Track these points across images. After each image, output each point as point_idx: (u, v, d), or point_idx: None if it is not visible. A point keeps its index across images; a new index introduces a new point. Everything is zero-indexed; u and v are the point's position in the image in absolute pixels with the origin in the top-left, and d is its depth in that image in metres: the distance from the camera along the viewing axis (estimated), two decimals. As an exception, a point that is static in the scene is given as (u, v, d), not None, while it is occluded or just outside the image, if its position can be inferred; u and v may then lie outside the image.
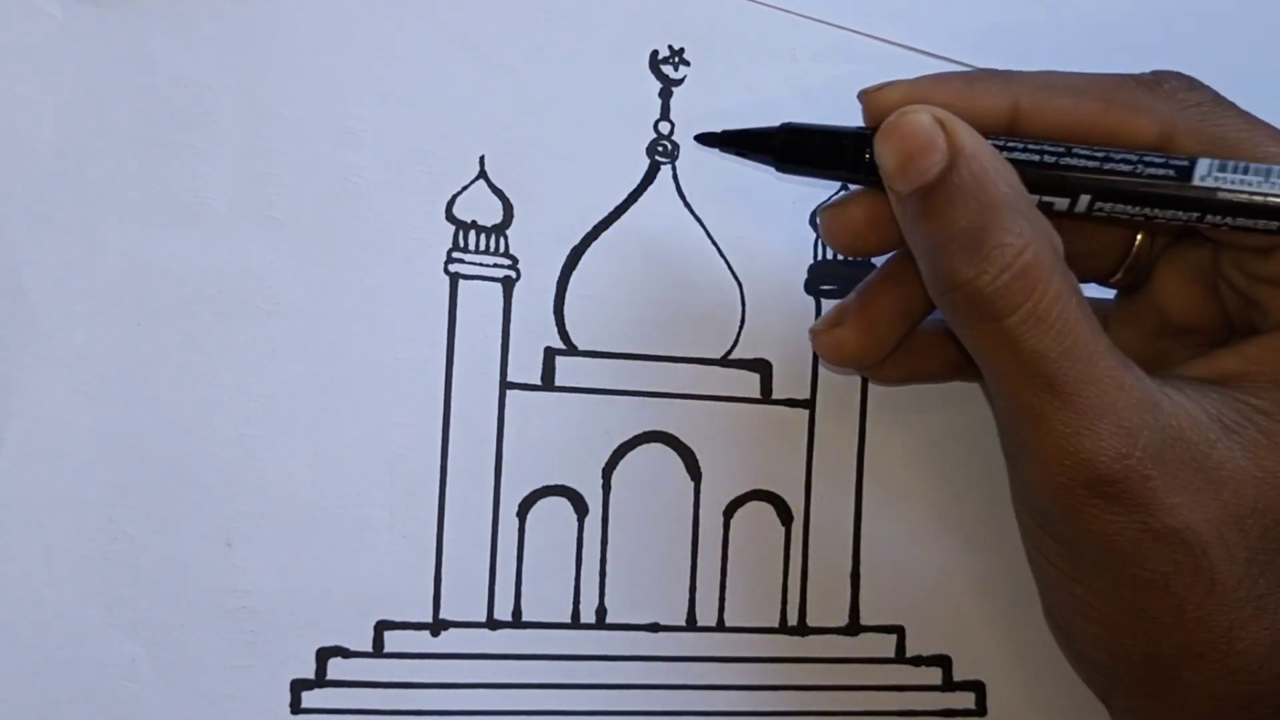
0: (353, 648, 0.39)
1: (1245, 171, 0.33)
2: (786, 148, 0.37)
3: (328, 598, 0.39)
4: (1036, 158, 0.34)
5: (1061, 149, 0.35)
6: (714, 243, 0.41)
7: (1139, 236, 0.38)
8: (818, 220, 0.39)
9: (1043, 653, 0.43)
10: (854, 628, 0.42)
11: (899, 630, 0.43)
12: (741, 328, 0.41)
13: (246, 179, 0.38)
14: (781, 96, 0.41)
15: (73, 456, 0.38)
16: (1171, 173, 0.34)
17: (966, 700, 0.43)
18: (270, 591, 0.39)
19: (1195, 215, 0.34)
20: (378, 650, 0.39)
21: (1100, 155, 0.34)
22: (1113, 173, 0.34)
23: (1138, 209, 0.34)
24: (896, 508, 0.42)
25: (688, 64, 0.41)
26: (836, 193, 0.41)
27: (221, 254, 0.38)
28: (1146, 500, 0.32)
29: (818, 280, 0.42)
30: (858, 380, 0.42)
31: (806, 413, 0.42)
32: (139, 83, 0.38)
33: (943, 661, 0.43)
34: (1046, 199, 0.35)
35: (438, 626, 0.40)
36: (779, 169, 0.37)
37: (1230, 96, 0.37)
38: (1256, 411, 0.34)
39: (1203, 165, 0.34)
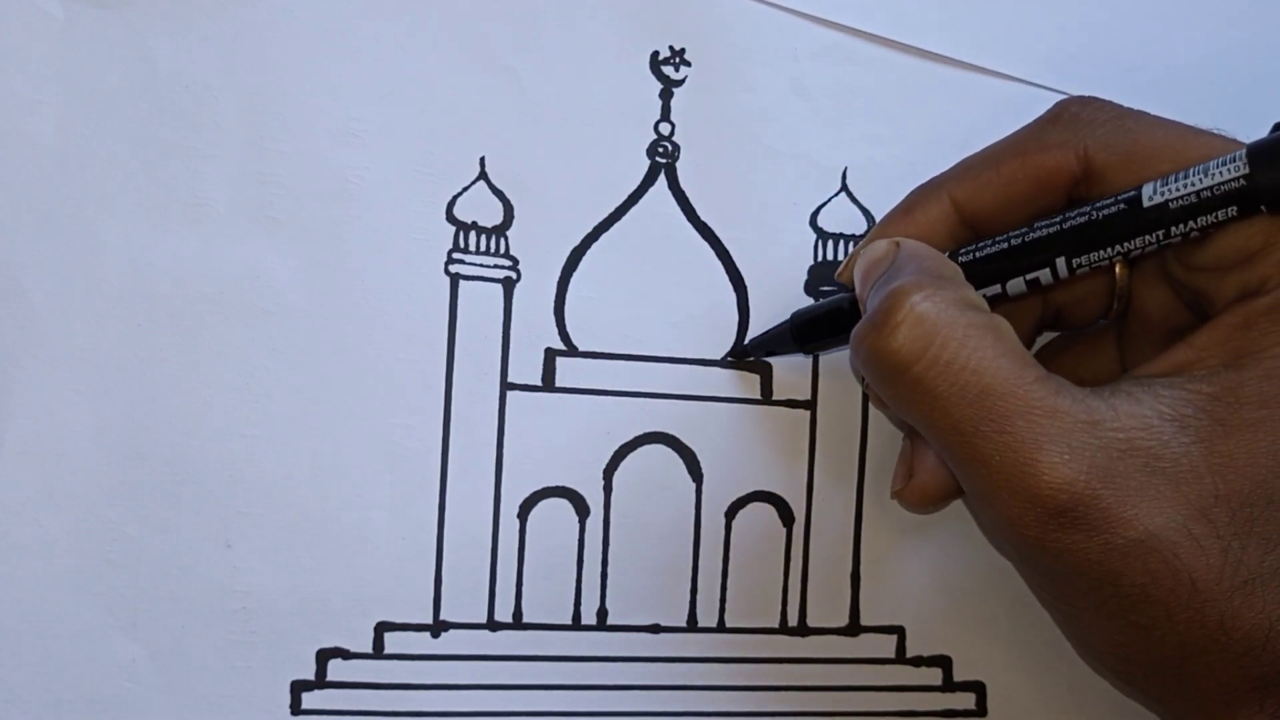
0: (353, 649, 0.39)
1: (1185, 175, 0.34)
2: (801, 335, 0.40)
3: (328, 598, 0.39)
4: (1004, 245, 0.37)
5: (1024, 229, 0.36)
6: (714, 243, 0.41)
7: (1117, 268, 0.39)
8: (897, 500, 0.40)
9: (1043, 653, 0.43)
10: (854, 628, 0.42)
11: (899, 630, 0.43)
12: (742, 328, 0.41)
13: (246, 179, 0.38)
14: (781, 96, 0.41)
15: (73, 456, 0.37)
16: (1123, 205, 0.35)
17: (966, 700, 0.43)
18: (270, 592, 0.38)
19: (1161, 234, 0.35)
20: (378, 651, 0.39)
21: (1058, 219, 0.36)
22: (1073, 228, 0.36)
23: (1110, 250, 0.35)
24: (897, 508, 0.42)
25: (688, 64, 0.41)
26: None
27: (221, 254, 0.38)
28: (1103, 519, 0.32)
29: (818, 281, 0.42)
30: (859, 380, 0.42)
31: (808, 414, 0.42)
32: (139, 83, 0.38)
33: (943, 661, 0.43)
34: (1030, 276, 0.36)
35: (438, 628, 0.40)
36: (804, 352, 0.41)
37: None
38: (1208, 399, 0.34)
39: (1148, 188, 0.35)
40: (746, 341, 0.41)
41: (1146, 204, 0.35)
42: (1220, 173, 0.34)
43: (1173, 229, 0.35)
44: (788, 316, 0.41)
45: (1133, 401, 0.34)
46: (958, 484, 0.37)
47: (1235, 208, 0.34)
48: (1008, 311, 0.36)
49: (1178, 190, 0.34)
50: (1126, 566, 0.33)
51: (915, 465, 0.38)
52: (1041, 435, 0.32)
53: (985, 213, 0.37)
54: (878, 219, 0.42)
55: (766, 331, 0.41)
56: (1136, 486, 0.33)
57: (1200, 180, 0.34)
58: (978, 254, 0.37)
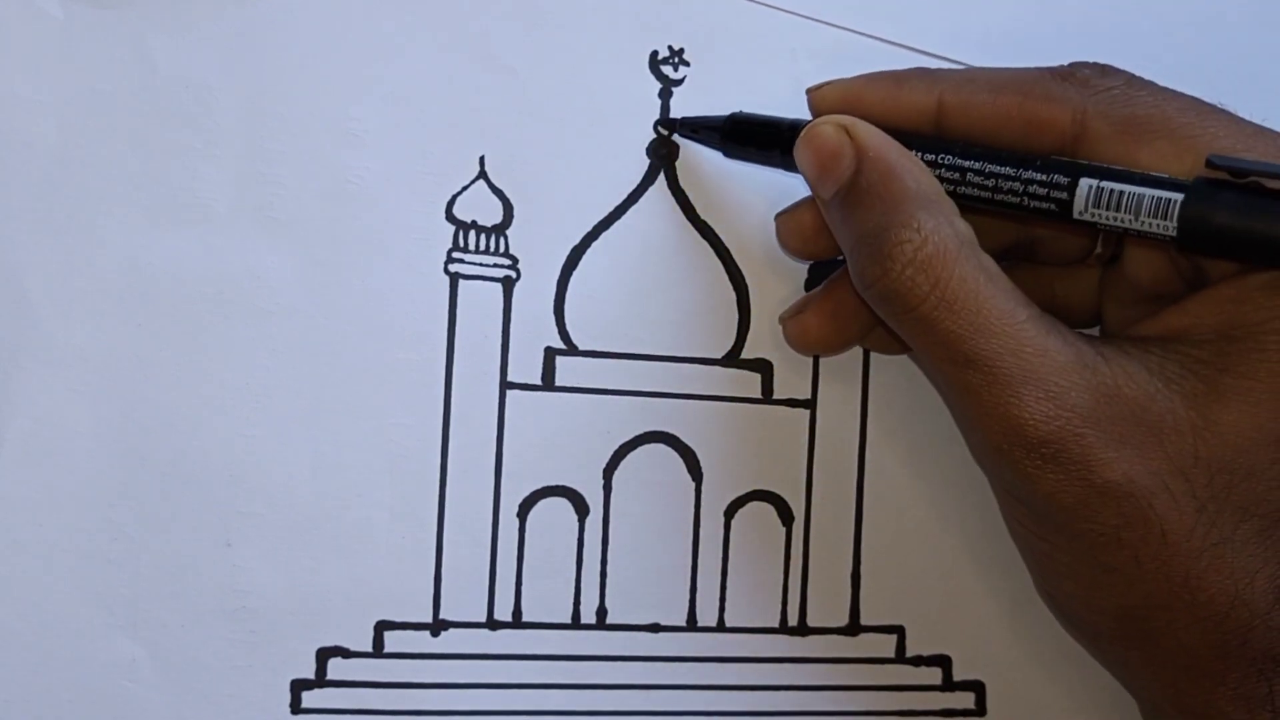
0: (353, 648, 0.39)
1: (1118, 208, 0.35)
2: (731, 133, 0.40)
3: (328, 598, 0.39)
4: (962, 166, 0.37)
5: (957, 175, 0.37)
6: (714, 242, 0.41)
7: None
8: (774, 225, 0.41)
9: (1043, 653, 0.43)
10: (854, 628, 0.42)
11: (899, 630, 0.43)
12: (742, 328, 0.41)
13: (246, 179, 0.38)
14: (781, 96, 0.41)
15: (73, 456, 0.38)
16: (1053, 206, 0.36)
17: (966, 700, 0.43)
18: (270, 591, 0.39)
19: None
20: (378, 650, 0.39)
21: (990, 185, 0.36)
22: (1002, 203, 0.36)
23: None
24: (896, 508, 0.43)
25: (688, 64, 0.41)
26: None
27: (221, 254, 0.38)
28: (1083, 457, 0.34)
29: (818, 280, 0.42)
30: (858, 380, 0.42)
31: (807, 413, 0.42)
32: (139, 83, 0.38)
33: (943, 661, 0.43)
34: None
35: (438, 627, 0.40)
36: (725, 153, 0.40)
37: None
38: (1197, 361, 0.34)
39: (1080, 199, 0.35)
40: (680, 117, 0.41)
41: (1076, 216, 0.35)
42: (1149, 223, 0.34)
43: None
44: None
45: (1123, 354, 0.35)
46: (836, 342, 0.40)
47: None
48: (978, 225, 0.36)
49: (1107, 219, 0.35)
50: (1102, 506, 0.34)
51: (813, 306, 0.40)
52: (1029, 372, 0.34)
53: (964, 131, 0.37)
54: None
55: (704, 116, 0.41)
56: (1119, 433, 0.34)
57: (1130, 220, 0.34)
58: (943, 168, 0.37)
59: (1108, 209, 0.35)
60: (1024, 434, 0.34)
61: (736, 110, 0.40)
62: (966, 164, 0.36)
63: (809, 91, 0.39)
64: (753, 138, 0.39)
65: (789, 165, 0.38)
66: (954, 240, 0.35)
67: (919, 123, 0.38)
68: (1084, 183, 0.35)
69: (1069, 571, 0.36)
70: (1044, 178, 0.36)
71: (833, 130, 0.36)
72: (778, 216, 0.40)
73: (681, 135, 0.41)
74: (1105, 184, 0.35)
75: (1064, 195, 0.35)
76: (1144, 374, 0.34)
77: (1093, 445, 0.34)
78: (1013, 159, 0.36)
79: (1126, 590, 0.34)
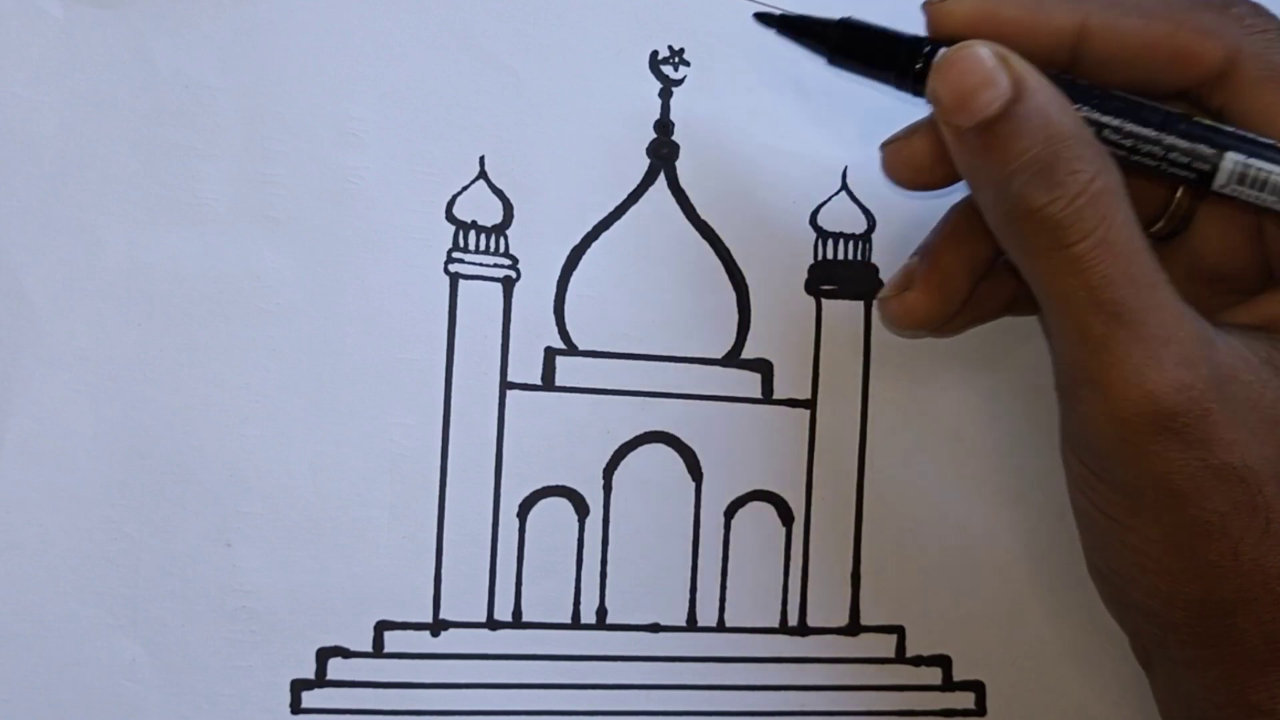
0: (353, 648, 0.39)
1: (1262, 189, 0.34)
2: (841, 41, 0.36)
3: (328, 598, 0.39)
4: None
5: (1093, 128, 0.34)
6: (714, 242, 0.41)
7: (1179, 190, 0.38)
8: (880, 154, 0.38)
9: (1043, 653, 0.43)
10: (854, 628, 0.42)
11: (899, 630, 0.43)
12: (742, 328, 0.41)
13: (246, 179, 0.38)
14: (781, 96, 0.41)
15: (73, 456, 0.38)
16: (1193, 175, 0.34)
17: (966, 700, 0.43)
18: (270, 591, 0.39)
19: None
20: (378, 650, 0.39)
21: (1128, 145, 0.34)
22: (1138, 165, 0.34)
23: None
24: (896, 508, 0.42)
25: (688, 64, 0.41)
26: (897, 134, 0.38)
27: (221, 254, 0.38)
28: (1207, 435, 0.32)
29: (818, 280, 0.42)
30: (859, 380, 0.42)
31: (807, 413, 0.42)
32: (139, 83, 0.38)
33: (943, 661, 0.43)
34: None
35: (438, 627, 0.40)
36: (830, 61, 0.37)
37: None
38: None
39: (1223, 173, 0.34)
40: (779, 13, 0.37)
41: (1216, 188, 0.34)
42: None
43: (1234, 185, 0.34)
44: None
45: (1233, 338, 0.34)
46: (941, 320, 0.38)
47: None
48: None
49: (1249, 197, 0.34)
50: (1214, 490, 0.33)
51: (921, 283, 0.38)
52: (1169, 334, 0.32)
53: (1105, 57, 0.35)
54: (878, 218, 0.42)
55: (809, 17, 0.37)
56: (1240, 415, 0.33)
57: (1274, 202, 0.33)
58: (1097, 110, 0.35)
59: (1251, 189, 0.34)
60: (1157, 401, 0.32)
61: (846, 15, 0.37)
62: (1105, 120, 0.34)
63: (928, 6, 0.36)
64: (867, 51, 0.36)
65: (903, 85, 0.36)
66: (1118, 183, 0.33)
67: (1055, 47, 0.35)
68: (1230, 158, 0.34)
69: (1155, 563, 0.34)
70: (1187, 145, 0.34)
71: (989, 55, 0.33)
72: (884, 145, 0.38)
73: (782, 35, 0.37)
74: (1253, 163, 0.34)
75: (1206, 167, 0.34)
76: (1255, 360, 0.33)
77: (1218, 424, 0.32)
78: (1155, 118, 0.34)
79: (1218, 583, 0.33)
